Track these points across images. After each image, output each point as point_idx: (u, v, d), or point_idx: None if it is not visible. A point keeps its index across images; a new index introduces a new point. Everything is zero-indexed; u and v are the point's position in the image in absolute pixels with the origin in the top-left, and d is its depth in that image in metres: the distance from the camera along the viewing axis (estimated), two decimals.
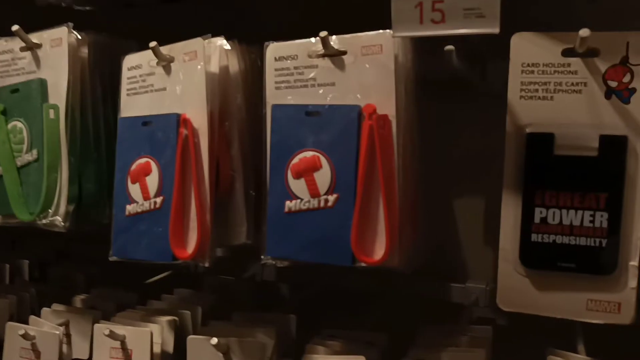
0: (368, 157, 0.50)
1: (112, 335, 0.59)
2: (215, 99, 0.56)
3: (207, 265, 0.53)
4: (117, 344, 0.60)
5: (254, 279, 0.86)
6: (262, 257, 0.55)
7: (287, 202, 0.53)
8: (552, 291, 0.49)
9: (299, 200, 0.53)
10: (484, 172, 0.64)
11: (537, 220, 0.48)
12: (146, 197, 0.57)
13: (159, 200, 0.56)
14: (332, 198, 0.51)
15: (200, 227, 0.54)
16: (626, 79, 0.46)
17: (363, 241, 0.51)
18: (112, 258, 0.60)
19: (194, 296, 0.75)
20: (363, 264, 0.51)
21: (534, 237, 0.49)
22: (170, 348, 0.63)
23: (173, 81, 0.57)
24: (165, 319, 0.64)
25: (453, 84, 0.60)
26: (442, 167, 0.66)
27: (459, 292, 0.78)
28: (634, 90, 0.46)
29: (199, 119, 0.55)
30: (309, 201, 0.52)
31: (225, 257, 0.71)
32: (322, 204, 0.52)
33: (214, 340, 0.56)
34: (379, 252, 0.50)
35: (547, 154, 0.48)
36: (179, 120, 0.56)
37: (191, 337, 0.58)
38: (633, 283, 0.47)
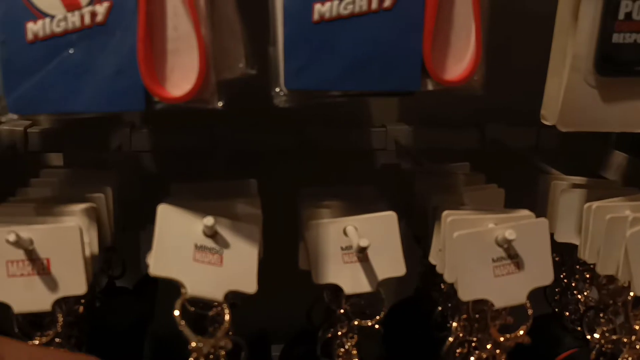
0: None
1: (18, 242, 0.37)
2: None
3: (219, 105, 0.34)
4: (21, 254, 0.38)
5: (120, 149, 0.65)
6: (275, 90, 0.37)
7: (318, 6, 0.36)
8: (617, 102, 0.43)
9: (336, 2, 0.36)
10: None
11: (621, 16, 0.41)
12: (72, 5, 0.33)
13: (100, 9, 0.34)
14: None
15: (200, 43, 0.33)
16: None
17: (436, 54, 0.37)
18: (7, 117, 0.35)
19: (74, 175, 0.53)
20: (433, 87, 0.38)
21: (615, 37, 0.41)
22: (95, 248, 0.43)
23: None
24: (79, 207, 0.42)
25: None
26: None
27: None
28: None
29: None
30: (353, 2, 0.36)
31: None
32: (374, 5, 0.36)
33: (209, 220, 0.38)
34: (454, 68, 0.38)
35: None
36: None
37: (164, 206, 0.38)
38: None
